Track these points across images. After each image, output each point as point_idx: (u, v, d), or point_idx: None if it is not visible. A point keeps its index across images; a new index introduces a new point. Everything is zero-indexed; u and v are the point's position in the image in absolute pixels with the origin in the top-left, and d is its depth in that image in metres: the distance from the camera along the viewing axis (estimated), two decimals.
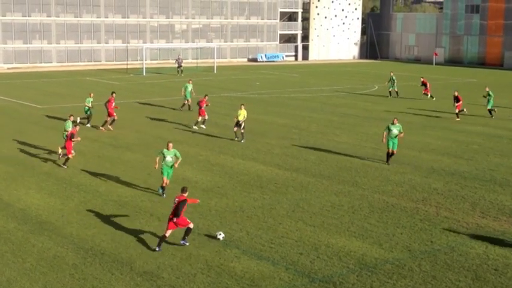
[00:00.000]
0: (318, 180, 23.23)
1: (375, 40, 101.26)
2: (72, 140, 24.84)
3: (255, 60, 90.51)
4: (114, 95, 33.86)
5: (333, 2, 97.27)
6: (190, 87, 41.11)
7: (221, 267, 15.14)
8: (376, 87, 55.59)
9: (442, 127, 34.99)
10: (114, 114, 33.07)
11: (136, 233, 17.34)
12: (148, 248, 16.25)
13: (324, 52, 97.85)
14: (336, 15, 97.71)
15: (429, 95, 47.52)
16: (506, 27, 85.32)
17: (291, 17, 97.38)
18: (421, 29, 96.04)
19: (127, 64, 73.85)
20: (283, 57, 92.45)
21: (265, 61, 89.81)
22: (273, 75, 67.77)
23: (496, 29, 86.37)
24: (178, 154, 21.15)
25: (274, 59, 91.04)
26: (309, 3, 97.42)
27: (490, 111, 38.93)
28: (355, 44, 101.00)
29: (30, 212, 19.22)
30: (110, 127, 32.88)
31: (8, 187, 21.92)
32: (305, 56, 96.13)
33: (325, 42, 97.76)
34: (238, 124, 30.14)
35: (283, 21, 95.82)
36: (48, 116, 37.76)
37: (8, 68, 73.14)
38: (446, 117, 38.86)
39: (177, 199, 16.30)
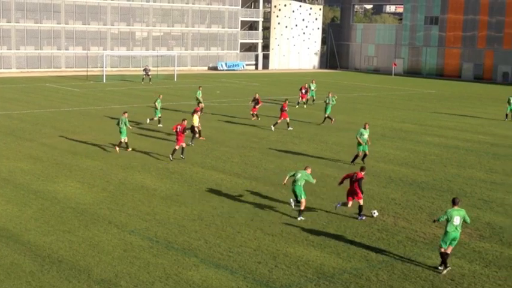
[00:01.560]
0: (276, 189, 23.24)
1: (335, 50, 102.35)
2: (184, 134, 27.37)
3: (215, 68, 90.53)
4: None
5: (293, 11, 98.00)
6: (201, 93, 42.76)
7: (179, 275, 14.98)
8: (336, 97, 55.96)
9: (401, 137, 35.46)
10: None
11: (94, 241, 17.07)
12: (108, 254, 15.98)
13: (285, 61, 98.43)
14: (296, 25, 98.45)
15: (301, 102, 48.79)
16: (464, 39, 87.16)
17: (251, 26, 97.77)
18: (380, 40, 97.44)
19: (87, 71, 73.02)
20: (243, 66, 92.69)
21: (226, 70, 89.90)
22: (233, 84, 67.82)
23: (455, 41, 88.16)
24: (311, 179, 19.38)
25: (235, 68, 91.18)
26: (270, 12, 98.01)
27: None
28: (316, 53, 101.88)
29: None
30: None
31: None
32: (265, 65, 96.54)
33: (285, 51, 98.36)
34: (191, 129, 30.67)
35: (244, 30, 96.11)
36: (5, 123, 36.98)
37: None
38: (405, 128, 39.40)
39: (355, 175, 19.52)
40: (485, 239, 18.34)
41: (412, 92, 65.38)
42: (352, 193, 19.73)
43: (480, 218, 20.30)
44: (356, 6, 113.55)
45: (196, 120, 31.37)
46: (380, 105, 50.71)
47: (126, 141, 29.20)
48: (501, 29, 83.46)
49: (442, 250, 15.60)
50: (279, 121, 36.93)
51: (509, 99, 44.24)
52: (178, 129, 27.55)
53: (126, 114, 29.73)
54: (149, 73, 67.44)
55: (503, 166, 28.33)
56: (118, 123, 29.25)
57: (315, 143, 32.85)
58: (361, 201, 19.67)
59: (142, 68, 71.25)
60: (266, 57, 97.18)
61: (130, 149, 29.32)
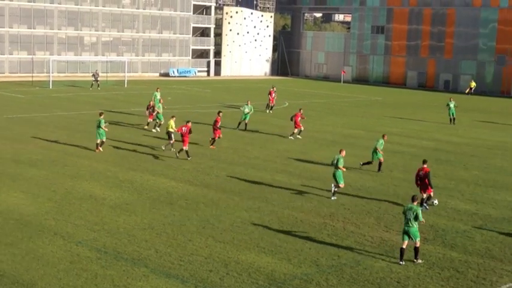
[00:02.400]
0: (228, 196, 23.27)
1: (286, 57, 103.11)
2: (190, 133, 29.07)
3: (167, 75, 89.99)
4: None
5: (245, 18, 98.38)
6: (158, 95, 41.76)
7: (128, 286, 14.83)
8: (287, 103, 56.51)
9: (350, 143, 35.95)
10: None
11: (38, 253, 16.69)
12: (53, 267, 15.67)
13: (236, 68, 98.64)
14: (248, 32, 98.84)
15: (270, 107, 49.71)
16: (409, 48, 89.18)
17: (203, 32, 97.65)
18: (330, 48, 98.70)
19: (32, 76, 71.47)
20: (195, 73, 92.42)
21: (178, 76, 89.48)
22: (185, 91, 67.57)
23: (399, 50, 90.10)
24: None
25: (187, 74, 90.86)
26: (222, 19, 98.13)
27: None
28: (267, 60, 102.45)
29: None
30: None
31: None
32: (217, 72, 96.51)
33: (237, 58, 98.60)
34: (169, 135, 31.02)
35: (196, 36, 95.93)
36: None
37: None
38: (354, 134, 39.99)
39: (422, 172, 21.69)
40: (428, 241, 18.81)
41: (360, 99, 66.45)
42: (424, 187, 22.08)
43: (424, 221, 20.75)
44: (306, 15, 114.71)
45: (172, 125, 31.25)
46: (330, 111, 51.38)
47: (99, 142, 30.73)
48: (442, 38, 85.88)
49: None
50: (295, 130, 37.13)
51: (448, 104, 46.53)
52: (183, 131, 29.44)
53: (103, 115, 31.48)
54: (98, 78, 66.54)
55: (445, 171, 29.10)
56: (99, 125, 30.58)
57: (266, 150, 33.03)
58: (432, 193, 22.38)
59: (91, 74, 70.25)
60: (218, 64, 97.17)
61: (101, 149, 30.79)
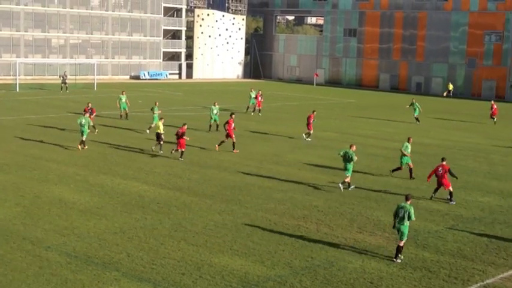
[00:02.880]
0: (201, 199, 23.05)
1: (258, 60, 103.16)
2: (184, 137, 29.67)
3: (137, 77, 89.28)
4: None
5: (217, 21, 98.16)
6: (124, 98, 43.12)
7: None
8: (251, 110, 56.30)
9: (323, 146, 36.00)
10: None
11: (6, 258, 16.27)
12: (22, 272, 15.28)
13: (208, 71, 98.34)
14: (220, 35, 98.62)
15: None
16: (381, 50, 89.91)
17: (174, 34, 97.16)
18: (302, 51, 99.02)
19: None
20: (166, 75, 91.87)
21: (149, 79, 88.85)
22: (156, 93, 67.07)
23: (372, 53, 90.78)
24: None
25: (158, 77, 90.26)
26: (193, 21, 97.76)
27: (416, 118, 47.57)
28: (239, 63, 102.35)
29: None
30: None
31: None
32: (189, 75, 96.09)
33: (209, 61, 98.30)
34: (158, 136, 31.31)
35: (167, 39, 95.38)
36: None
37: None
38: (327, 136, 40.05)
39: (441, 168, 23.63)
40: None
41: (333, 101, 66.72)
42: (442, 184, 23.74)
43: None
44: (278, 17, 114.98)
45: (161, 127, 31.64)
46: (303, 114, 51.16)
47: (83, 139, 31.85)
48: (414, 42, 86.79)
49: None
50: (311, 132, 37.43)
51: (412, 103, 48.51)
52: (178, 133, 29.88)
53: (88, 114, 33.25)
54: (66, 81, 65.62)
55: (417, 172, 29.20)
56: (81, 123, 31.75)
57: (239, 153, 32.84)
58: (451, 188, 23.72)
59: (59, 76, 69.26)
60: (190, 67, 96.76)
61: (86, 147, 31.88)
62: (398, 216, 17.28)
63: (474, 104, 69.82)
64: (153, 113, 38.76)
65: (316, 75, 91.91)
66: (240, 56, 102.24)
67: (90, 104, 38.19)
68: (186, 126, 30.66)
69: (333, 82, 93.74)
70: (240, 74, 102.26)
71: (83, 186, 24.34)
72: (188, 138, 30.68)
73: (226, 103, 56.40)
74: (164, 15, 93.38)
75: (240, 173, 27.69)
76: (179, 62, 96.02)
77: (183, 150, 29.97)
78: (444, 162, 24.03)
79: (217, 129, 39.18)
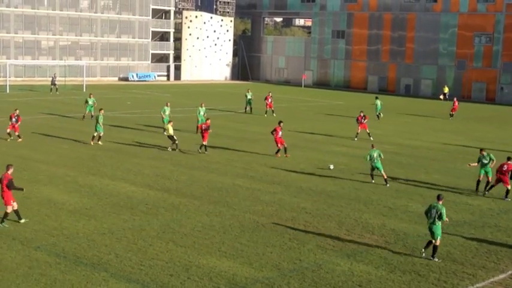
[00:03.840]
0: (189, 200, 23.13)
1: (246, 62, 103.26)
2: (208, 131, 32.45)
3: (126, 79, 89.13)
4: None
5: (205, 23, 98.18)
6: (91, 100, 44.46)
7: None
8: (248, 109, 56.44)
9: (311, 148, 36.17)
10: None
11: None
12: (11, 272, 15.30)
13: (197, 72, 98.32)
14: (208, 36, 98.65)
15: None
16: (369, 52, 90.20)
17: (163, 36, 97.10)
18: (290, 52, 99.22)
19: None
20: (155, 77, 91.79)
21: (137, 80, 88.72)
22: (144, 95, 67.02)
23: (360, 54, 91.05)
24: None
25: (146, 79, 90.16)
26: (181, 23, 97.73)
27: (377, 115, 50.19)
28: (227, 65, 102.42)
29: None
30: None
31: None
32: (177, 76, 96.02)
33: (197, 62, 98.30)
34: (170, 138, 33.16)
35: (155, 40, 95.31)
36: None
37: None
38: (315, 138, 40.23)
39: (505, 167, 24.57)
40: (390, 244, 18.99)
41: (321, 103, 66.94)
42: (500, 180, 24.97)
43: (386, 224, 21.01)
44: (266, 19, 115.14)
45: (170, 130, 33.37)
46: (291, 116, 51.54)
47: (96, 135, 34.02)
48: (403, 43, 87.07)
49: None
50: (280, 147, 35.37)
51: (375, 102, 52.19)
52: (203, 128, 32.76)
53: (102, 111, 35.15)
54: (55, 83, 65.53)
55: (406, 174, 29.46)
56: (97, 119, 34.01)
57: (227, 154, 32.95)
58: (510, 187, 24.75)
59: (50, 78, 69.17)
60: (178, 68, 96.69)
61: (100, 143, 33.86)
62: (431, 216, 17.59)
63: (463, 107, 70.15)
64: (163, 115, 39.07)
65: (304, 76, 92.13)
66: (228, 57, 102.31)
67: (17, 111, 35.63)
68: (209, 121, 33.42)
69: (321, 84, 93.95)
70: (228, 75, 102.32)
71: (72, 187, 24.36)
72: (211, 131, 33.30)
73: (214, 105, 56.54)
74: (152, 17, 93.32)
75: (227, 175, 27.79)
76: (167, 64, 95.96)
77: (205, 144, 32.52)
78: (510, 161, 25.03)
79: (196, 132, 39.07)
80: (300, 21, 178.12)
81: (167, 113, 39.07)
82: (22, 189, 20.17)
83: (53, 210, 21.04)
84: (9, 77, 67.80)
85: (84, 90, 68.35)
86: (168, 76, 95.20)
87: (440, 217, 17.49)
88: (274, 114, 50.08)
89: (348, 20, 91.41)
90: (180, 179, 26.71)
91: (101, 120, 34.06)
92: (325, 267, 16.91)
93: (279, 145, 32.71)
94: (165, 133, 36.14)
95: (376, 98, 53.71)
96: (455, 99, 57.75)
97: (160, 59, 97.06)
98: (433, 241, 17.70)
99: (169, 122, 34.44)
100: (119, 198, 22.99)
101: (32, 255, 16.74)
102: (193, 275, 15.86)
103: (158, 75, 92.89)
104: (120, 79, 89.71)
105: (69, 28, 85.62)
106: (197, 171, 28.24)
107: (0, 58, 78.63)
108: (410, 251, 18.52)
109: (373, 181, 27.17)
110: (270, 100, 51.32)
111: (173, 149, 33.07)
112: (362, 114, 40.23)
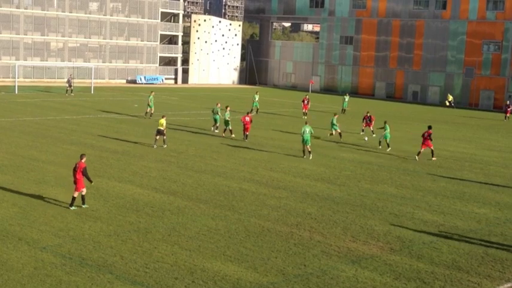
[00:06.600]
0: (195, 204, 23.17)
1: (254, 66, 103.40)
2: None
3: (134, 82, 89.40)
4: None
5: (213, 27, 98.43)
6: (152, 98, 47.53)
7: None
8: (254, 112, 56.52)
9: (317, 153, 36.12)
10: None
11: (2, 258, 16.37)
12: (17, 272, 15.37)
13: (204, 76, 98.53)
14: (216, 40, 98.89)
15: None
16: (377, 58, 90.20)
17: (171, 39, 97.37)
18: (298, 57, 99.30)
19: None
20: (162, 80, 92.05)
21: (145, 83, 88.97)
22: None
23: (368, 60, 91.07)
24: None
25: (154, 82, 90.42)
26: (190, 27, 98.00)
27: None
28: (235, 69, 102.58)
29: None
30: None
31: None
32: (185, 80, 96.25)
33: (205, 66, 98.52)
34: (160, 132, 34.42)
35: (164, 43, 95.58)
36: None
37: None
38: (321, 144, 40.20)
39: None
40: (395, 252, 18.95)
41: (329, 108, 66.88)
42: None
43: (391, 231, 20.98)
44: (274, 24, 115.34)
45: (164, 124, 34.62)
46: (297, 121, 51.52)
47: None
48: (411, 50, 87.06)
49: None
50: (421, 150, 35.18)
51: (344, 98, 59.61)
52: (246, 120, 37.59)
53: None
54: (72, 84, 65.86)
55: (412, 181, 29.41)
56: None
57: (233, 158, 32.99)
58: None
59: (59, 79, 69.49)
60: (186, 72, 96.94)
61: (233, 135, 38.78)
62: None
63: (471, 114, 70.08)
64: (217, 113, 41.54)
65: (312, 82, 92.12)
66: (236, 62, 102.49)
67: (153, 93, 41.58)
68: (251, 114, 38.06)
69: (329, 89, 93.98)
70: (235, 79, 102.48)
71: None
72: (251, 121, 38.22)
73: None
74: (161, 20, 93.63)
75: (234, 179, 27.82)
76: (175, 67, 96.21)
77: (248, 133, 37.50)
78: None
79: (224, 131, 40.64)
80: (308, 27, 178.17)
81: (220, 112, 41.51)
82: (91, 181, 22.04)
83: (59, 211, 21.12)
84: (18, 78, 68.09)
85: (92, 92, 68.60)
86: (175, 79, 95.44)
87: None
88: (305, 117, 52.01)
89: (357, 25, 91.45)
90: (187, 182, 26.76)
91: (228, 116, 39.22)
92: (330, 273, 16.89)
93: (430, 147, 34.88)
94: (217, 130, 40.39)
95: (346, 94, 62.72)
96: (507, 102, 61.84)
97: (168, 62, 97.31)
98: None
99: (163, 116, 35.29)
100: (125, 201, 23.05)
101: (38, 255, 16.81)
102: (198, 279, 15.88)
103: (166, 78, 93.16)
104: (128, 81, 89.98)
105: (78, 30, 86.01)
106: (203, 175, 28.29)
107: (10, 59, 79.04)
108: (416, 258, 18.48)
109: (304, 157, 32.97)
110: (306, 102, 55.60)
111: (159, 144, 34.29)
112: (368, 115, 43.69)
